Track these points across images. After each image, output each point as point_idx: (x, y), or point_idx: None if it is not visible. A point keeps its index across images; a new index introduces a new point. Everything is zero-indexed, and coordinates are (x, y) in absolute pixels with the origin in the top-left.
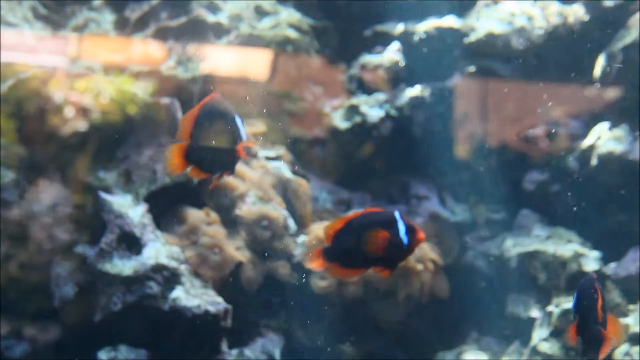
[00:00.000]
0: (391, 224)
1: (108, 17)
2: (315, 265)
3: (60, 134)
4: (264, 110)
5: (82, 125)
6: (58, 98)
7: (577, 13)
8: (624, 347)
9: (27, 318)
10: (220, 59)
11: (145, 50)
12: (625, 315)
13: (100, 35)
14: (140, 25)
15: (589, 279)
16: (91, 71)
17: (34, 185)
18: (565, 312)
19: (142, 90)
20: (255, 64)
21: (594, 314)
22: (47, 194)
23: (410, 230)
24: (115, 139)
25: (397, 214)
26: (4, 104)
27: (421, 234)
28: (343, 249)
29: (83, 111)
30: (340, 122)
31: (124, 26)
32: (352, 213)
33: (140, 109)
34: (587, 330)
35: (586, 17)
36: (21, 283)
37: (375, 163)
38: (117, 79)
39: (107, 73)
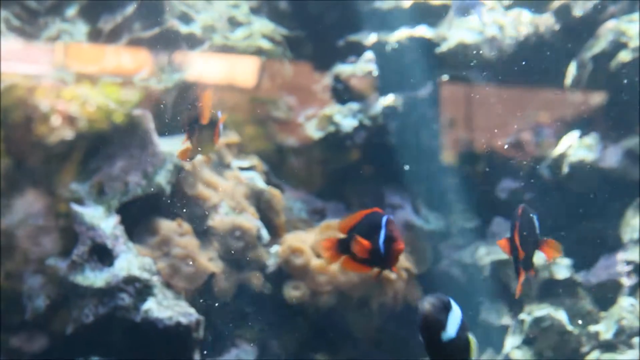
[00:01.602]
0: (378, 230)
1: (81, 29)
2: (328, 254)
3: (46, 143)
4: (239, 118)
5: (68, 134)
6: (45, 107)
7: (548, 22)
8: (595, 354)
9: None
10: (194, 69)
11: (119, 61)
12: (596, 322)
13: (74, 44)
14: (113, 36)
15: (516, 209)
16: (63, 82)
17: (7, 198)
18: (537, 320)
19: (128, 98)
20: (229, 73)
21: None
22: (22, 206)
23: (389, 240)
24: (89, 151)
25: (383, 221)
26: None
27: (399, 245)
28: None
29: (70, 120)
30: (314, 131)
31: (97, 37)
32: (367, 210)
33: (125, 117)
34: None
35: (557, 27)
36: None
37: (350, 172)
38: (103, 88)
39: (80, 83)
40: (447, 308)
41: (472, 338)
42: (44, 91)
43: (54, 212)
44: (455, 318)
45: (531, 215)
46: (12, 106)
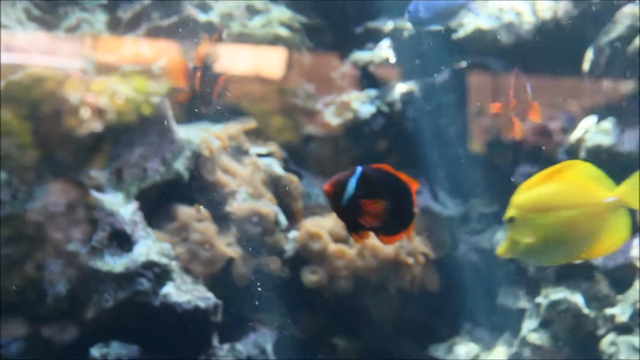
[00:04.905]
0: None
1: (101, 18)
2: None
3: (75, 135)
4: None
5: (97, 126)
6: (74, 99)
7: (566, 7)
8: (610, 337)
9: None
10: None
11: (138, 49)
12: (612, 305)
13: (93, 35)
14: (132, 25)
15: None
16: (85, 72)
17: (37, 188)
18: (553, 304)
19: (155, 91)
20: (246, 62)
21: None
22: (51, 196)
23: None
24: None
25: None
26: (18, 105)
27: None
28: None
29: (99, 112)
30: (331, 118)
31: (116, 26)
32: None
33: (154, 110)
34: None
35: (575, 12)
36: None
37: (368, 158)
38: (131, 80)
39: (99, 73)
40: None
41: None
42: (73, 83)
43: (83, 203)
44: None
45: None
46: (41, 99)
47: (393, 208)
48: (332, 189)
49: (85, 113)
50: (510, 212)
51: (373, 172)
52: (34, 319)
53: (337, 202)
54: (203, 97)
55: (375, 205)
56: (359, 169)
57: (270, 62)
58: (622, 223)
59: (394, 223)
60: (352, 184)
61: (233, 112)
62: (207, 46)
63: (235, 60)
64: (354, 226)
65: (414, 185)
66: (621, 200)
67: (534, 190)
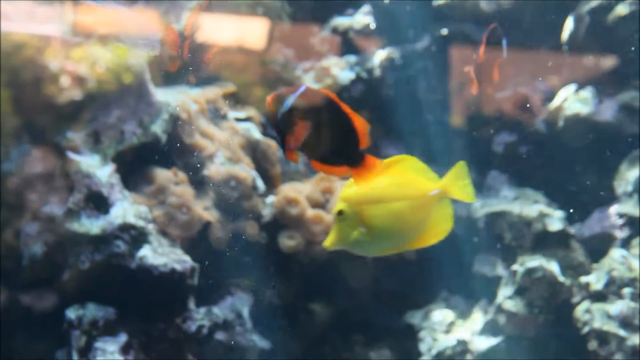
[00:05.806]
0: None
1: None
2: None
3: (55, 103)
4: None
5: (77, 94)
6: (54, 67)
7: None
8: (585, 304)
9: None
10: (191, 22)
11: (112, 15)
12: (588, 273)
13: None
14: None
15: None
16: (64, 38)
17: (16, 154)
18: (529, 271)
19: (137, 59)
20: (227, 28)
21: None
22: (31, 163)
23: None
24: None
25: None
26: None
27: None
28: None
29: (79, 80)
30: (311, 84)
31: None
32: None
33: (135, 78)
34: None
35: None
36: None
37: None
38: (112, 48)
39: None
40: None
41: None
42: (53, 51)
43: (60, 165)
44: None
45: (500, 36)
46: (21, 66)
47: (324, 134)
48: (271, 101)
49: (65, 81)
50: (339, 206)
51: (314, 94)
52: (13, 286)
53: (274, 116)
54: (192, 66)
55: (299, 123)
56: (303, 87)
57: (250, 27)
58: (446, 213)
59: (329, 152)
60: (290, 100)
61: (213, 79)
62: (197, 14)
63: (218, 27)
64: (285, 143)
65: (363, 126)
66: (444, 192)
67: (363, 185)
